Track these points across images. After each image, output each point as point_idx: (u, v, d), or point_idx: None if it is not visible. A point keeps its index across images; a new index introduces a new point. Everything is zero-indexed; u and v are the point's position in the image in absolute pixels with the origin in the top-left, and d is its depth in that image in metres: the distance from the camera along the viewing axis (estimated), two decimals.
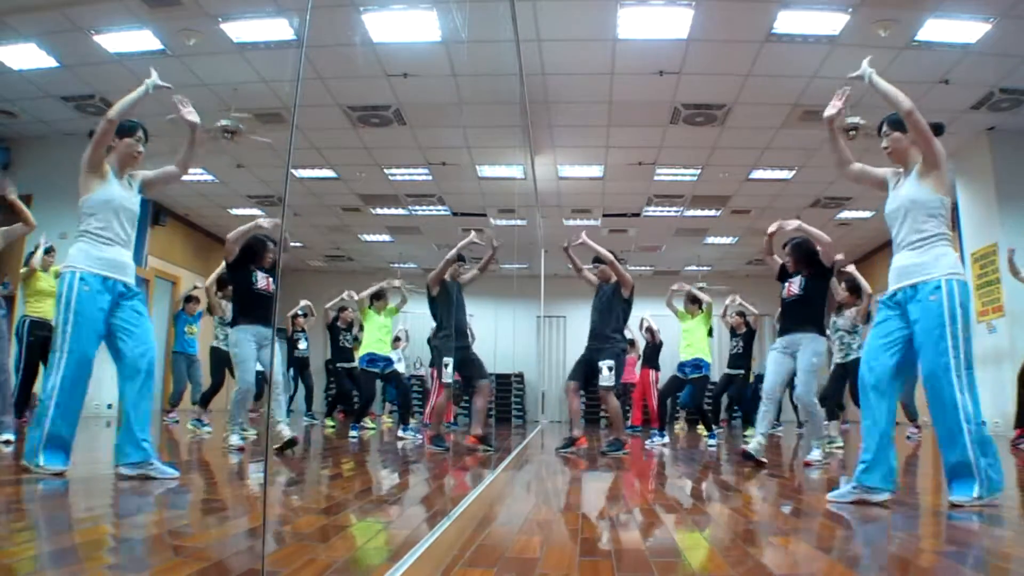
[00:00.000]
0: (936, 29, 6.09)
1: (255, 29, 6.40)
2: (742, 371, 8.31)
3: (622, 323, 5.72)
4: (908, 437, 6.99)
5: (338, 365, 9.00)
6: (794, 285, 4.79)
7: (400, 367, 10.33)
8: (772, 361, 4.82)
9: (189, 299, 8.06)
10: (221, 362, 7.12)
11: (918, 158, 2.96)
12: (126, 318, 3.23)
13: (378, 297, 7.09)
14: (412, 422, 7.08)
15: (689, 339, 7.08)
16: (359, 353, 6.94)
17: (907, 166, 3.03)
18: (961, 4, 5.77)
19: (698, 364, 6.97)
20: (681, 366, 7.08)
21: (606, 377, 5.44)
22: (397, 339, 10.05)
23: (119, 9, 6.06)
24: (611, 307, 5.63)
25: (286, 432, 4.66)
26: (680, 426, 10.87)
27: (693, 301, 7.21)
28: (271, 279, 5.13)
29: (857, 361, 6.50)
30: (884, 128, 3.09)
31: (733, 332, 8.35)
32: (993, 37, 6.11)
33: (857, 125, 7.04)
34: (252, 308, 4.99)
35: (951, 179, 3.11)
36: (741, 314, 8.37)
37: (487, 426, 5.46)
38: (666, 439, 6.84)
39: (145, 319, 3.31)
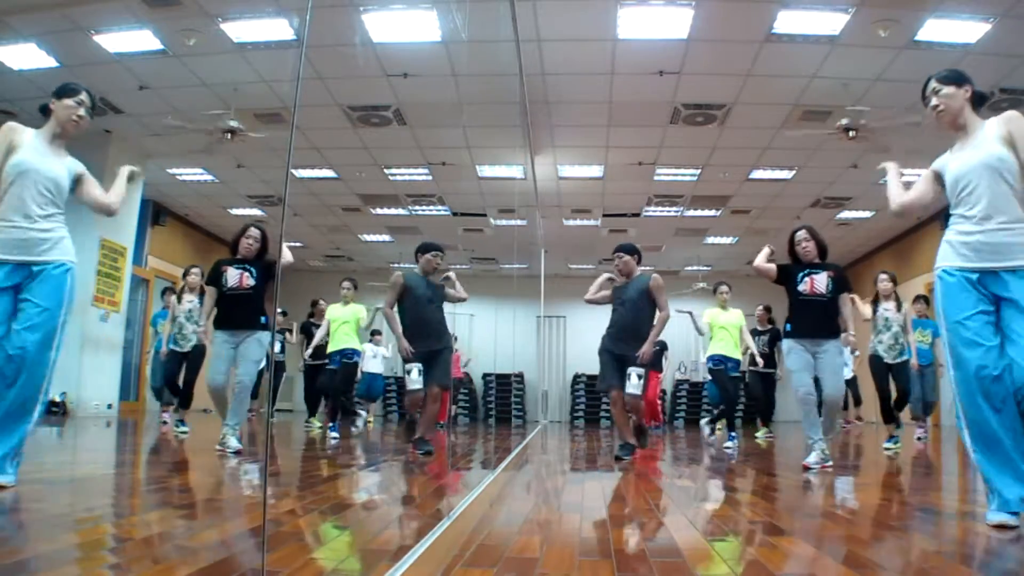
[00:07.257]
0: (936, 29, 6.08)
1: (255, 29, 6.40)
2: (772, 370, 7.86)
3: (653, 322, 4.87)
4: (918, 439, 6.73)
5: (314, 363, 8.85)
6: (819, 283, 4.22)
7: (378, 365, 10.18)
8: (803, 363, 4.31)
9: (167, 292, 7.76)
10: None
11: (977, 120, 2.47)
12: (21, 319, 2.61)
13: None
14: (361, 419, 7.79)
15: (723, 335, 6.96)
16: (333, 349, 6.92)
17: (965, 129, 2.48)
18: (961, 4, 5.77)
19: (723, 360, 6.89)
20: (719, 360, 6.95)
21: (635, 385, 4.73)
22: (379, 333, 9.81)
23: (119, 9, 6.05)
24: (643, 303, 4.82)
25: (232, 442, 4.54)
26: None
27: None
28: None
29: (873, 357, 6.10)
30: (932, 85, 2.53)
31: (755, 332, 7.93)
32: (993, 37, 6.10)
33: (856, 125, 7.04)
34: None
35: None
36: (768, 308, 8.03)
37: (429, 431, 4.98)
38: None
39: (40, 325, 2.61)
